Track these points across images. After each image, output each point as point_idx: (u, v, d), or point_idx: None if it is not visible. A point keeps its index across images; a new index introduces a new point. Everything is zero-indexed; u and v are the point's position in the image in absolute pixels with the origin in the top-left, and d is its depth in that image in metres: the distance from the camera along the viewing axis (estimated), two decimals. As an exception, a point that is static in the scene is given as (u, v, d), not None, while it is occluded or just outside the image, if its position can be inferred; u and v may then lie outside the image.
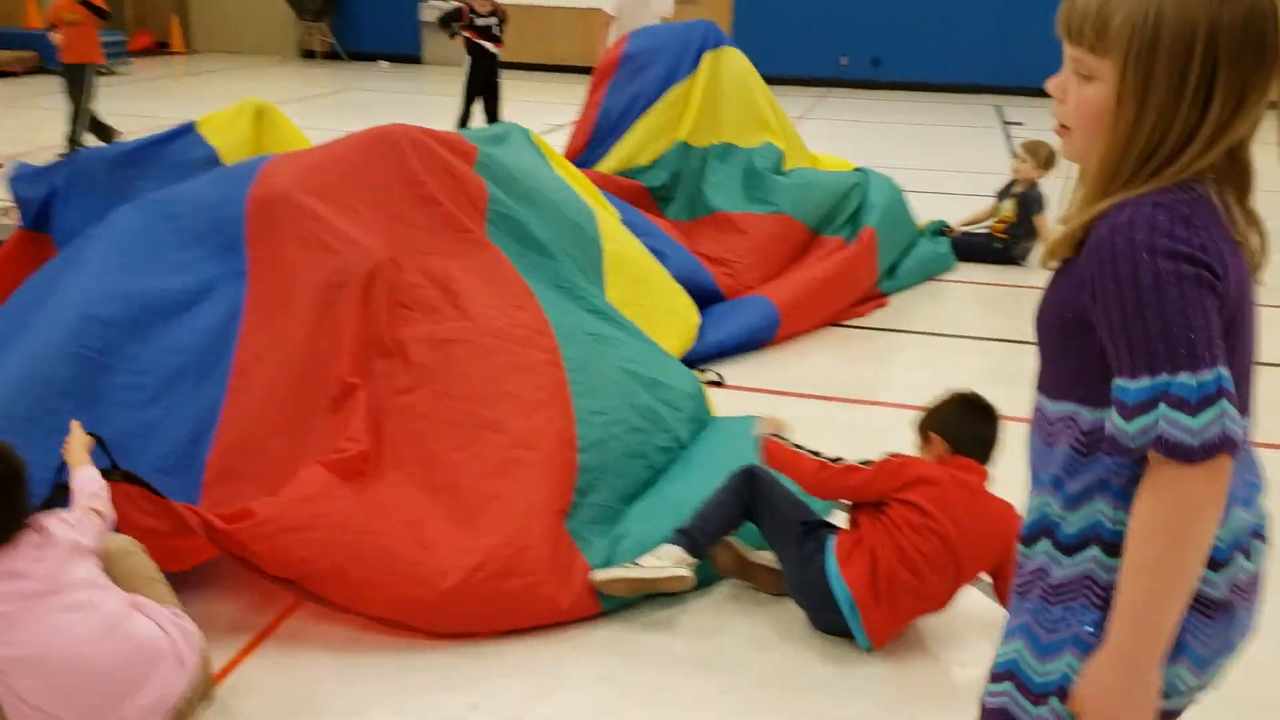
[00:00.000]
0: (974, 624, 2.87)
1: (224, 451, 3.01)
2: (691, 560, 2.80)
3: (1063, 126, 1.39)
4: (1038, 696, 1.40)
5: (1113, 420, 1.26)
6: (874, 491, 2.79)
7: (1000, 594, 2.79)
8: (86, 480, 2.46)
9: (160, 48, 17.29)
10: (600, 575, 2.80)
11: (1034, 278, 6.01)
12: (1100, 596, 1.36)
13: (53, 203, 3.88)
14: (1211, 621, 1.36)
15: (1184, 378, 1.21)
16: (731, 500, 2.91)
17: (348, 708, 2.51)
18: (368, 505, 2.85)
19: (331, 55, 17.17)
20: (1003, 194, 6.49)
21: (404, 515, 2.89)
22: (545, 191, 4.17)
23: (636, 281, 4.43)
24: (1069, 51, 1.35)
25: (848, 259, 5.37)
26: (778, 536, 2.87)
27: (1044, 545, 1.42)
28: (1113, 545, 1.34)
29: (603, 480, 3.17)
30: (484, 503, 2.94)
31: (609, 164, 5.94)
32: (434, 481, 3.02)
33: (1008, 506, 2.73)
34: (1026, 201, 6.25)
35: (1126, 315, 1.23)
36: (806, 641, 2.79)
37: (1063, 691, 1.37)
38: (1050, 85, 1.39)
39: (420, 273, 3.46)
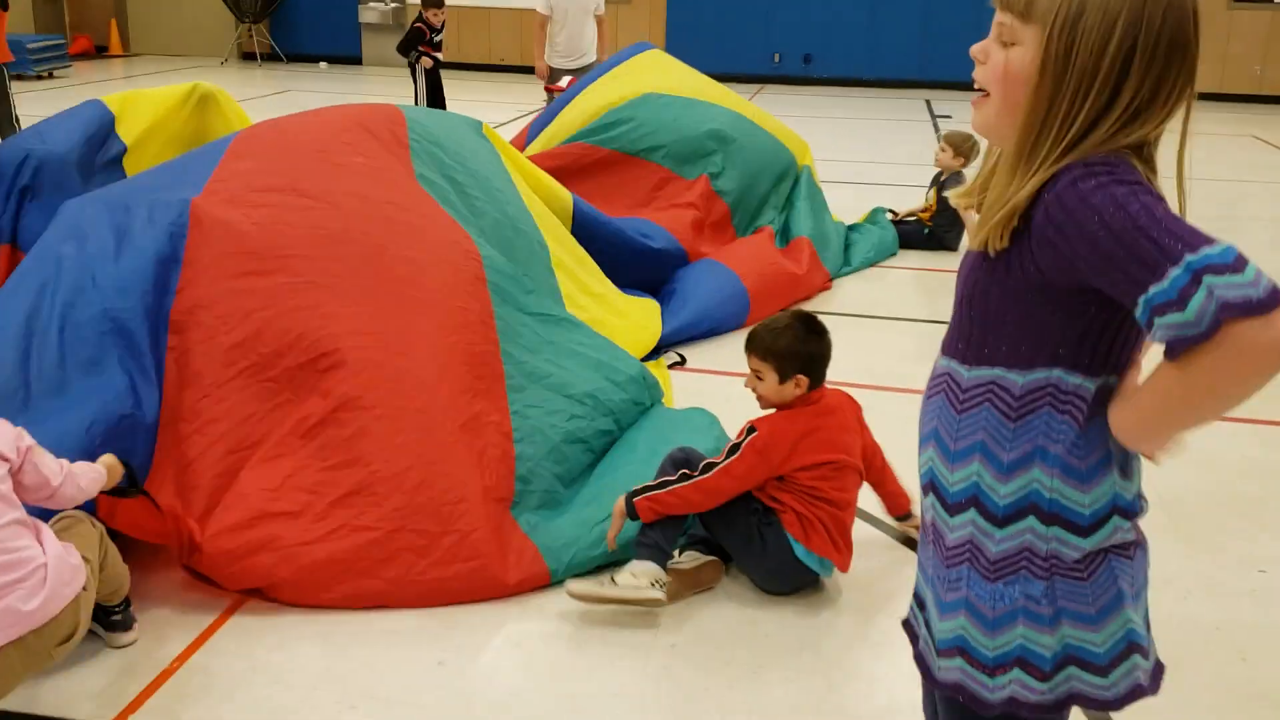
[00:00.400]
0: (900, 569, 3.08)
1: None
2: (665, 579, 2.83)
3: (981, 93, 1.43)
4: (994, 668, 1.45)
5: (1164, 323, 1.21)
6: (761, 478, 2.91)
7: (877, 486, 3.18)
8: (87, 464, 2.53)
9: (99, 51, 17.12)
10: (575, 587, 2.84)
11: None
12: (1041, 567, 1.41)
13: (22, 212, 3.76)
14: (1132, 561, 1.45)
15: (1205, 250, 1.20)
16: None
17: (319, 667, 2.65)
18: (306, 491, 2.92)
19: (271, 57, 17.11)
20: (933, 183, 6.79)
21: (346, 486, 2.95)
22: (492, 195, 4.19)
23: (581, 286, 4.54)
24: (997, 17, 1.39)
25: (807, 268, 5.68)
26: (732, 529, 2.95)
27: (970, 515, 1.44)
28: (1050, 515, 1.40)
29: (543, 468, 3.29)
30: (434, 477, 3.02)
31: (539, 143, 6.06)
32: (383, 439, 3.05)
33: (841, 393, 3.06)
34: (945, 190, 6.54)
35: (1123, 234, 1.23)
36: (751, 600, 2.98)
37: (1022, 661, 1.43)
38: (973, 49, 1.43)
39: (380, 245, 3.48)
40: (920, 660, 1.59)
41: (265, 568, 2.83)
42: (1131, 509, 1.43)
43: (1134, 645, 1.44)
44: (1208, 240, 1.21)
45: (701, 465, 2.90)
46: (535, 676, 2.65)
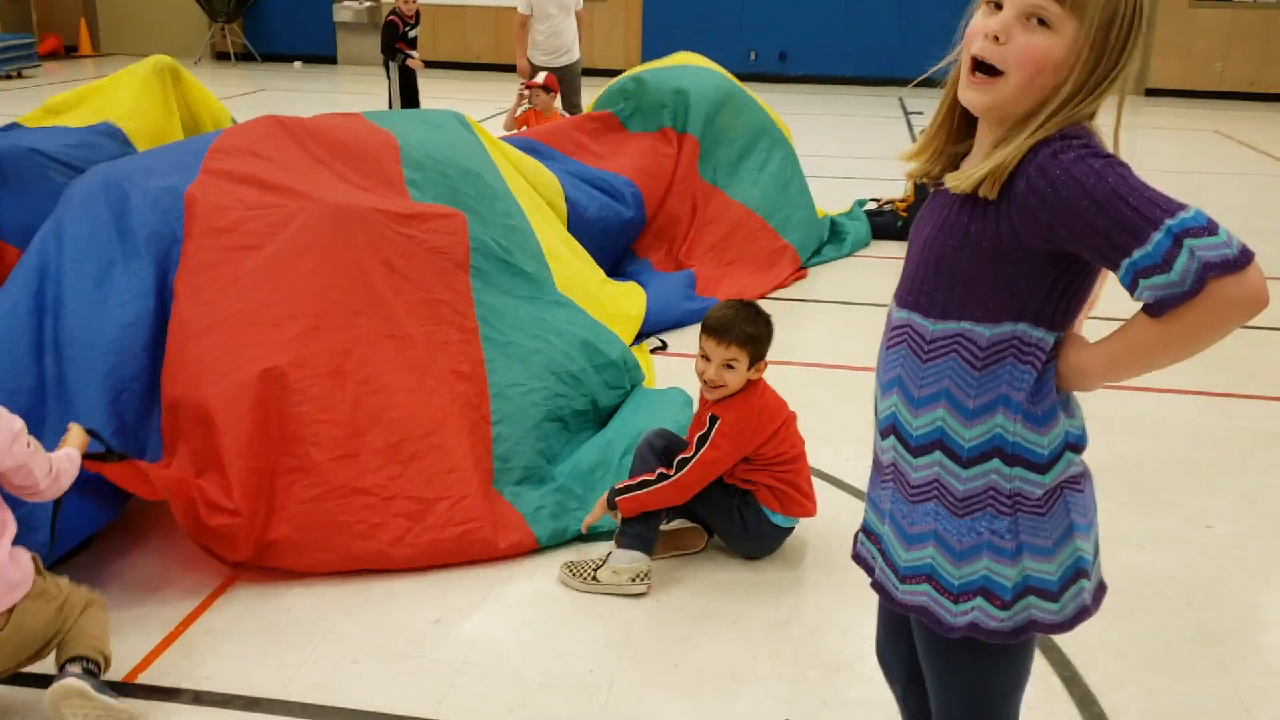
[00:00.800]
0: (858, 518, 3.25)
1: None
2: (646, 571, 2.95)
3: (990, 70, 1.45)
4: (958, 595, 1.56)
5: (1150, 285, 1.33)
6: (732, 461, 3.03)
7: None
8: (65, 453, 2.51)
9: (68, 51, 17.08)
10: (564, 578, 2.98)
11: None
12: (1005, 505, 1.53)
13: None
14: (1083, 494, 1.57)
15: (1182, 215, 1.31)
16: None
17: (322, 625, 2.79)
18: (308, 444, 3.00)
19: (245, 56, 17.13)
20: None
21: (344, 447, 3.05)
22: (483, 191, 4.25)
23: (575, 273, 4.66)
24: None
25: (783, 277, 5.87)
26: (714, 514, 3.10)
27: (936, 456, 1.55)
28: (1013, 457, 1.51)
29: (523, 445, 3.42)
30: (426, 449, 3.17)
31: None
32: (376, 414, 3.16)
33: None
34: (923, 184, 6.71)
35: (1105, 202, 1.33)
36: (728, 559, 3.15)
37: (985, 591, 1.55)
38: (994, 25, 1.44)
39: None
40: (879, 587, 1.71)
41: (268, 526, 2.91)
42: (1080, 443, 1.57)
43: (1081, 571, 1.58)
44: (1181, 205, 1.33)
45: (676, 462, 3.01)
46: (529, 631, 2.79)
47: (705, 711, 2.50)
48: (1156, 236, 1.31)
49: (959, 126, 1.60)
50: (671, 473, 2.99)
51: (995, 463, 1.52)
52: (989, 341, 1.49)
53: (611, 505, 3.03)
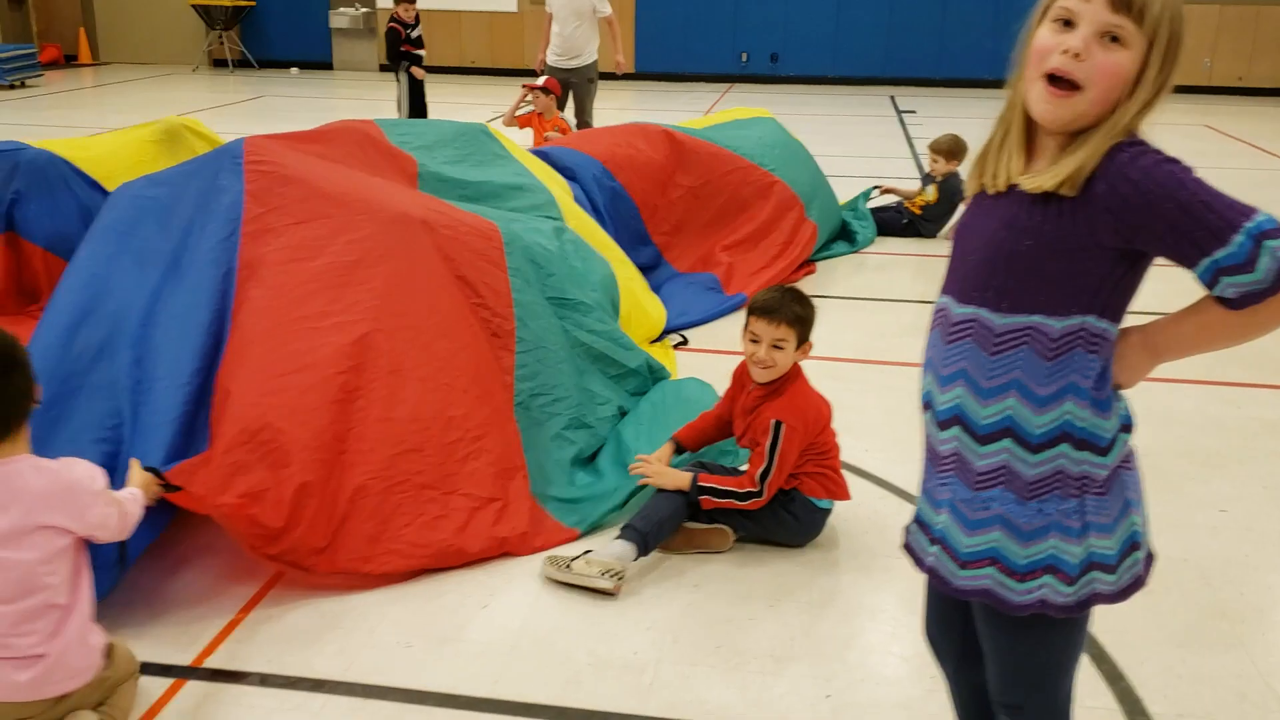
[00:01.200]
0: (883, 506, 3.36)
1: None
2: (617, 570, 2.96)
3: (1070, 85, 1.53)
4: (1024, 575, 1.65)
5: (1233, 283, 1.45)
6: (800, 453, 3.13)
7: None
8: (130, 493, 2.56)
9: (68, 60, 17.12)
10: (543, 568, 3.05)
11: (941, 248, 6.63)
12: (1074, 487, 1.62)
13: (16, 205, 4.37)
14: (1132, 471, 1.69)
15: (1257, 218, 1.43)
16: (684, 506, 3.14)
17: (374, 613, 2.89)
18: (371, 440, 3.09)
19: (242, 63, 17.20)
20: (925, 181, 7.11)
21: (408, 442, 3.15)
22: (509, 192, 4.41)
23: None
24: (1108, 18, 1.51)
25: (796, 257, 6.01)
26: (759, 519, 3.17)
27: (1005, 444, 1.63)
28: (1081, 441, 1.60)
29: (544, 458, 3.49)
30: (478, 452, 3.29)
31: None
32: (440, 408, 3.28)
33: None
34: (950, 189, 6.83)
35: (1188, 204, 1.44)
36: (763, 546, 3.25)
37: (1053, 569, 1.63)
38: (1074, 43, 1.52)
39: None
40: (935, 575, 1.78)
41: (324, 531, 2.94)
42: (1130, 423, 1.69)
43: (1135, 544, 1.70)
44: (1253, 208, 1.45)
45: (759, 477, 3.08)
46: (573, 616, 2.90)
47: (748, 690, 2.60)
48: (1238, 239, 1.43)
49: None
50: (758, 489, 3.08)
51: (1064, 447, 1.61)
52: (1059, 333, 1.58)
53: (693, 495, 3.09)
